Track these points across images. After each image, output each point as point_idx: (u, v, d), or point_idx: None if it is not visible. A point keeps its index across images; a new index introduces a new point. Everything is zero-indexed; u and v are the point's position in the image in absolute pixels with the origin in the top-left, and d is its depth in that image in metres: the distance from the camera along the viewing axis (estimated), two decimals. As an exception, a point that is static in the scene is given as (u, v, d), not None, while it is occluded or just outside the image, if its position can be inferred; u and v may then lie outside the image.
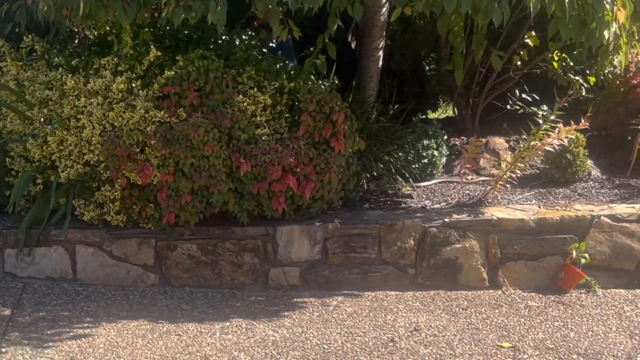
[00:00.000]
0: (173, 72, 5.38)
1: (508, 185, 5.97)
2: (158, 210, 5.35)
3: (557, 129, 5.70)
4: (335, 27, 5.70)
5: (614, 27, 5.17)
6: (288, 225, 5.50)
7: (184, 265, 5.46)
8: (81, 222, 5.53)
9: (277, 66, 5.78)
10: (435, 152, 6.43)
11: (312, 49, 6.11)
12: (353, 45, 8.03)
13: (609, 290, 5.40)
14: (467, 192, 6.12)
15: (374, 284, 5.43)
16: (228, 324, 4.79)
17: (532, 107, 6.84)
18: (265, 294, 5.31)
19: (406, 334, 4.63)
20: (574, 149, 6.17)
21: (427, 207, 5.90)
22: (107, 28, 5.87)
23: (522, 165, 5.89)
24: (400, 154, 6.30)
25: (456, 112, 7.87)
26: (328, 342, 4.52)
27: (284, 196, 5.34)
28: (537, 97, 6.97)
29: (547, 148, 5.72)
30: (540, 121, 6.07)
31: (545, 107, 6.58)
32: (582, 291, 5.37)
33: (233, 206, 5.35)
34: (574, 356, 4.32)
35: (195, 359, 4.28)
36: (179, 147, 5.10)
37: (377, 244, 5.47)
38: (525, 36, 6.90)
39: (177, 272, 5.47)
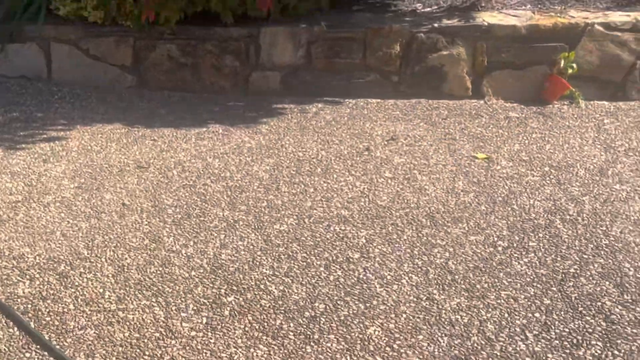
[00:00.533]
0: None
1: (503, -12, 5.89)
2: (138, 7, 5.32)
3: None
4: None
5: None
6: (272, 27, 5.51)
7: (163, 66, 5.52)
8: (57, 17, 5.51)
9: None
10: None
11: None
12: None
13: (592, 102, 5.47)
14: (460, -6, 6.05)
15: (356, 91, 5.50)
16: (204, 129, 4.91)
17: None
18: (244, 99, 5.40)
19: (382, 143, 4.75)
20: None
21: (418, 11, 5.87)
22: None
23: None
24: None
25: None
26: (303, 149, 4.64)
27: (270, -6, 5.29)
28: None
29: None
30: None
31: None
32: (565, 103, 5.45)
33: (216, 4, 5.33)
34: (546, 168, 4.45)
35: (169, 165, 4.42)
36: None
37: (362, 49, 5.50)
38: None
39: (155, 74, 5.54)
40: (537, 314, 3.21)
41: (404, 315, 3.20)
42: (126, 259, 3.54)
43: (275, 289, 3.36)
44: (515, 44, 5.49)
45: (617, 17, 5.63)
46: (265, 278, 3.43)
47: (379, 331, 3.11)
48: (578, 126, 5.08)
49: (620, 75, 5.56)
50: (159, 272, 3.45)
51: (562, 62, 5.42)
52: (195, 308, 3.23)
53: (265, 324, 3.15)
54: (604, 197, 4.13)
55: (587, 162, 4.55)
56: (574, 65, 5.42)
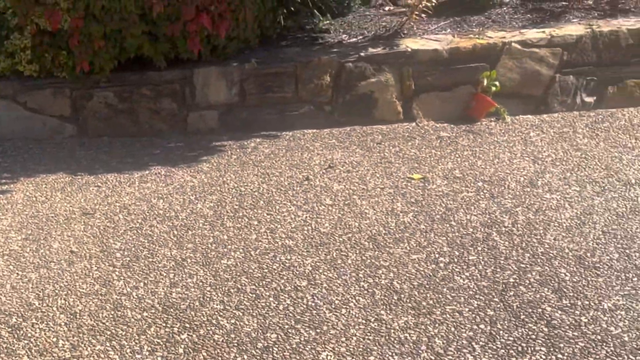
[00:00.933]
0: None
1: (424, 15, 5.97)
2: (71, 58, 5.28)
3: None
4: None
5: None
6: (205, 67, 5.48)
7: (102, 114, 5.46)
8: (-7, 74, 5.44)
9: None
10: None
11: None
12: None
13: (517, 117, 5.55)
14: (384, 23, 6.12)
15: (292, 123, 5.50)
16: (147, 172, 4.85)
17: None
18: (184, 140, 5.36)
19: (321, 172, 4.74)
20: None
21: (344, 42, 5.90)
22: None
23: (436, -6, 5.88)
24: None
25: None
26: (245, 184, 4.62)
27: (199, 36, 5.29)
28: None
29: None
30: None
31: None
32: (492, 119, 5.51)
33: (148, 50, 5.29)
34: (480, 183, 4.49)
35: (114, 209, 4.36)
36: (87, -11, 4.98)
37: (294, 82, 5.50)
38: None
39: (94, 121, 5.48)
40: (482, 326, 3.22)
41: (355, 338, 3.18)
42: (78, 305, 3.47)
43: (227, 322, 3.32)
44: (439, 67, 5.55)
45: (533, 34, 5.73)
46: (216, 313, 3.38)
47: (331, 356, 3.09)
48: (506, 141, 5.14)
49: (541, 89, 5.65)
50: (111, 316, 3.39)
51: (485, 81, 5.49)
52: (149, 349, 3.17)
53: (220, 358, 3.11)
54: (535, 206, 4.18)
55: (517, 175, 4.60)
56: (497, 83, 5.50)
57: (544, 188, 4.40)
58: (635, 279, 3.48)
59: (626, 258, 3.65)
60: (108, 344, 3.20)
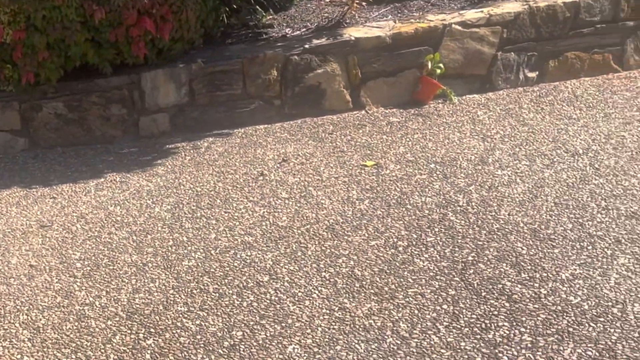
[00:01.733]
0: None
1: (364, 3, 5.91)
2: (17, 71, 5.12)
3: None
4: None
5: None
6: (152, 71, 5.36)
7: (52, 124, 5.32)
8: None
9: None
10: (291, -22, 6.27)
11: None
12: None
13: (463, 97, 5.52)
14: (326, 14, 6.04)
15: (243, 120, 5.41)
16: (102, 179, 4.74)
17: None
18: (137, 145, 5.24)
19: (275, 166, 4.67)
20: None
21: (288, 35, 5.81)
22: None
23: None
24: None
25: None
26: (201, 184, 4.53)
27: (144, 40, 5.17)
28: None
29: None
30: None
31: None
32: (439, 101, 5.48)
33: (93, 57, 5.16)
34: (432, 165, 4.45)
35: (72, 219, 4.24)
36: (27, 1, 4.82)
37: (242, 79, 5.41)
38: None
39: (45, 133, 5.34)
40: (445, 306, 3.17)
41: (320, 329, 3.12)
42: (40, 319, 3.36)
43: (192, 324, 3.24)
44: (384, 53, 5.50)
45: (472, 14, 5.71)
46: (181, 315, 3.30)
47: (298, 348, 3.02)
48: (455, 121, 5.10)
49: (484, 68, 5.63)
50: (75, 327, 3.29)
51: (430, 64, 5.46)
52: (116, 357, 3.08)
53: (188, 361, 3.02)
54: (488, 184, 4.14)
55: (468, 154, 4.56)
56: (441, 65, 5.47)
57: (495, 165, 4.37)
58: (590, 247, 3.46)
59: (580, 227, 3.63)
60: (73, 356, 3.11)
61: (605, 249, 3.43)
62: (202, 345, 3.10)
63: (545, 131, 4.79)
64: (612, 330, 2.92)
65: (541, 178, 4.15)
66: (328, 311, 3.22)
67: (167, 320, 3.27)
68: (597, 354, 2.81)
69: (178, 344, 3.12)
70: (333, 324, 3.14)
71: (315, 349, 3.01)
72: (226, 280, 3.51)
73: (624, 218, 3.67)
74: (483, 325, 3.04)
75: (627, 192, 3.91)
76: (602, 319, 2.98)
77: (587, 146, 4.50)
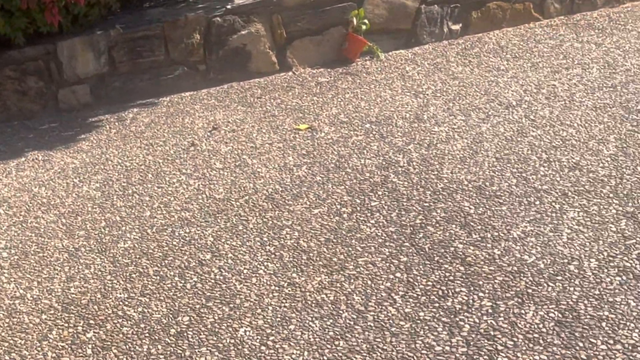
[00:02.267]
0: None
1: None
2: None
3: None
4: None
5: None
6: (68, 40, 4.95)
7: (-35, 103, 4.86)
8: None
9: None
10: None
11: None
12: None
13: (390, 53, 5.28)
14: (245, -26, 5.65)
15: (168, 88, 5.06)
16: (23, 159, 4.35)
17: None
18: (58, 119, 4.85)
19: (206, 135, 4.35)
20: None
21: (208, -4, 5.44)
22: None
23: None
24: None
25: None
26: (129, 158, 4.18)
27: (57, 6, 4.72)
28: None
29: None
30: None
31: None
32: (366, 58, 5.22)
33: (3, 27, 4.72)
34: (367, 125, 4.21)
35: (-6, 205, 3.86)
36: None
37: (164, 44, 5.05)
38: None
39: (-42, 112, 4.88)
40: (398, 274, 2.95)
41: (270, 308, 2.87)
42: (-32, 318, 3.01)
43: (134, 312, 2.94)
44: (308, 11, 5.21)
45: (395, -32, 5.42)
46: (121, 303, 3.00)
47: (249, 331, 2.76)
48: (384, 78, 4.86)
49: (409, 22, 5.40)
50: (6, 324, 2.95)
51: (355, 20, 5.19)
52: (54, 355, 2.77)
53: (133, 352, 2.74)
54: (427, 142, 3.93)
55: (402, 111, 4.34)
56: (366, 21, 5.21)
57: (431, 121, 4.15)
58: (537, 202, 3.27)
59: (524, 182, 3.45)
60: (7, 357, 2.77)
61: (553, 203, 3.26)
62: (147, 335, 2.81)
63: (476, 84, 4.59)
64: (571, 289, 2.75)
65: (479, 133, 3.95)
66: (277, 288, 2.97)
67: (106, 310, 2.97)
68: (560, 315, 2.63)
69: (121, 335, 2.83)
70: (284, 301, 2.89)
71: (268, 330, 2.76)
72: (166, 261, 3.22)
73: (567, 170, 3.50)
74: (440, 293, 2.83)
75: (566, 143, 3.74)
76: (560, 278, 2.80)
77: (519, 97, 4.32)
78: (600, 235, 3.00)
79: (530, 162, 3.60)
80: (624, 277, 2.76)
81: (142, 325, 2.86)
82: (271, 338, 2.72)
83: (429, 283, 2.89)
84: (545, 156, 3.64)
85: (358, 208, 3.43)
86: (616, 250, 2.91)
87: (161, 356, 2.70)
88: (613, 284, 2.73)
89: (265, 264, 3.13)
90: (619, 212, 3.14)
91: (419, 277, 2.93)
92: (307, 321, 2.78)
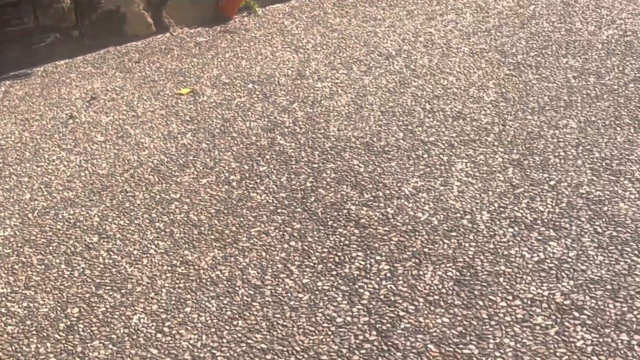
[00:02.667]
0: None
1: None
2: None
3: None
4: None
5: None
6: None
7: None
8: None
9: None
10: None
11: None
12: None
13: (267, 8, 4.98)
14: None
15: (41, 57, 4.63)
16: None
17: None
18: None
19: (84, 106, 3.99)
20: None
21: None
22: None
23: None
24: None
25: None
26: (4, 136, 3.79)
27: None
28: None
29: None
30: None
31: None
32: (244, 15, 4.91)
33: None
34: (250, 85, 3.93)
35: None
36: None
37: (32, 10, 4.57)
38: None
39: None
40: (292, 243, 2.74)
41: (164, 291, 2.61)
42: None
43: (19, 307, 2.64)
44: (181, -31, 4.82)
45: None
46: (4, 299, 2.68)
47: (144, 318, 2.51)
48: (264, 35, 4.57)
49: (284, -25, 5.08)
50: None
51: (230, -24, 4.85)
52: None
53: (19, 354, 2.44)
54: (311, 99, 3.69)
55: (284, 69, 4.08)
56: (241, -24, 4.87)
57: (314, 77, 3.91)
58: (425, 155, 3.11)
59: (411, 135, 3.27)
60: None
61: (441, 156, 3.10)
62: (34, 332, 2.51)
63: (355, 36, 4.36)
64: (467, 245, 2.60)
65: (362, 86, 3.74)
66: (170, 268, 2.71)
67: (-12, 308, 2.65)
68: (457, 273, 2.48)
69: (6, 335, 2.52)
70: (177, 282, 2.64)
71: (164, 315, 2.50)
72: (51, 248, 2.90)
73: (451, 119, 3.34)
74: (337, 259, 2.63)
75: (447, 92, 3.58)
76: (454, 234, 2.65)
77: (398, 47, 4.12)
78: (490, 186, 2.86)
79: (415, 114, 3.43)
80: (516, 228, 2.63)
81: (29, 322, 2.56)
82: (167, 324, 2.48)
83: (325, 250, 2.69)
84: (429, 107, 3.47)
85: (247, 175, 3.18)
86: (506, 201, 2.77)
87: (51, 355, 2.42)
88: (506, 236, 2.60)
89: (156, 242, 2.86)
90: (505, 160, 3.01)
91: (314, 245, 2.72)
92: (203, 302, 2.54)
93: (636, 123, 3.11)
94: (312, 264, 2.63)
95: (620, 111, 3.22)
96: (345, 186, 3.01)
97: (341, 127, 3.41)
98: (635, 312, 2.20)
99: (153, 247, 2.84)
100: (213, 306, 2.52)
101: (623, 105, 3.26)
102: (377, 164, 3.11)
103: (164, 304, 2.56)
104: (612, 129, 3.10)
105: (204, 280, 2.64)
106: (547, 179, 2.85)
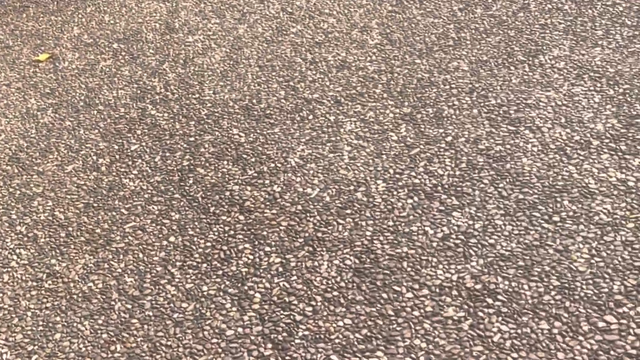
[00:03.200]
0: None
1: None
2: None
3: None
4: None
5: None
6: None
7: None
8: None
9: None
10: None
11: None
12: None
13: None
14: None
15: None
16: None
17: None
18: None
19: None
20: None
21: None
22: None
23: None
24: None
25: None
26: None
27: None
28: None
29: None
30: None
31: None
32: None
33: None
34: (115, 45, 3.37)
35: None
36: None
37: None
38: None
39: None
40: (172, 238, 2.28)
41: (30, 314, 2.17)
42: None
43: None
44: None
45: None
46: None
47: (6, 353, 2.02)
48: (127, -16, 3.94)
49: None
50: None
51: None
52: None
53: None
54: (182, 57, 3.17)
55: (151, 22, 3.51)
56: None
57: (184, 30, 3.36)
58: (310, 117, 2.66)
59: (293, 93, 2.82)
60: None
61: (327, 115, 2.67)
62: None
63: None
64: (363, 224, 2.21)
65: (237, 37, 3.23)
66: (35, 284, 2.22)
67: None
68: (356, 260, 2.09)
69: None
70: (44, 301, 2.16)
71: (30, 347, 2.03)
72: None
73: (335, 70, 2.89)
74: (222, 255, 2.20)
75: (329, 37, 3.11)
76: (349, 212, 2.26)
77: (273, -14, 3.60)
78: (383, 148, 2.45)
79: (295, 67, 2.95)
80: (416, 199, 2.24)
81: None
82: (34, 358, 2.00)
83: (208, 244, 2.24)
84: (310, 56, 3.00)
85: (117, 156, 2.67)
86: (402, 165, 2.38)
87: None
88: (406, 209, 2.21)
89: (18, 251, 2.35)
90: (397, 115, 2.60)
91: (195, 239, 2.27)
92: (75, 324, 2.08)
93: (530, 59, 2.73)
94: (195, 263, 2.19)
95: (511, 46, 2.84)
96: (225, 162, 2.55)
97: (217, 89, 2.92)
98: (553, 293, 1.87)
99: (15, 257, 2.33)
100: (86, 329, 2.06)
101: (514, 39, 2.87)
102: (258, 131, 2.65)
103: (29, 332, 2.08)
104: (505, 68, 2.72)
105: (74, 296, 2.16)
106: (443, 134, 2.46)
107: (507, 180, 2.25)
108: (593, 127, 2.36)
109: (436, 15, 3.15)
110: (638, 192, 2.09)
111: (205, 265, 2.20)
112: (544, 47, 2.77)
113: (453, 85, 2.70)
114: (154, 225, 2.37)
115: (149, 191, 2.50)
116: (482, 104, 2.58)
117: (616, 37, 2.76)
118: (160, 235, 2.33)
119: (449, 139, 2.46)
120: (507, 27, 2.98)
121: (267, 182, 2.44)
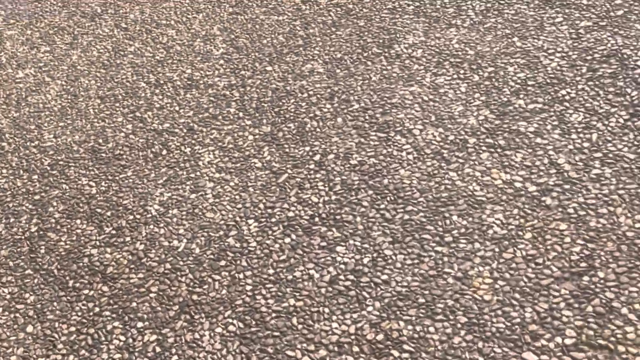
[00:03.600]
0: None
1: None
2: None
3: None
4: None
5: None
6: None
7: None
8: None
9: None
10: None
11: None
12: None
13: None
14: None
15: None
16: None
17: None
18: None
19: None
20: None
21: None
22: None
23: None
24: None
25: None
26: None
27: None
28: None
29: None
30: None
31: None
32: None
33: None
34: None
35: None
36: None
37: None
38: None
39: None
40: (29, 328, 1.90)
41: None
42: None
43: None
44: None
45: None
46: None
47: None
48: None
49: None
50: None
51: None
52: None
53: None
54: (14, 96, 2.74)
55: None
56: None
57: (12, 64, 2.90)
58: (164, 152, 2.30)
59: (142, 125, 2.44)
60: None
61: (182, 147, 2.31)
62: None
63: (49, -7, 3.30)
64: (241, 277, 1.90)
65: (71, 66, 2.81)
66: None
67: None
68: (241, 324, 1.80)
69: None
70: None
71: None
72: None
73: (183, 92, 2.53)
74: (89, 342, 1.85)
75: (170, 52, 2.72)
76: (223, 263, 1.94)
77: (102, 1, 3.14)
78: (248, 179, 2.13)
79: (140, 93, 2.56)
80: (293, 236, 1.95)
81: None
82: None
83: (72, 329, 1.89)
84: (154, 78, 2.61)
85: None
86: (272, 197, 2.07)
87: None
88: (284, 251, 1.92)
89: None
90: (257, 136, 2.27)
91: (57, 324, 1.91)
92: None
93: (385, 51, 2.45)
94: (60, 357, 1.81)
95: (364, 38, 2.54)
96: (79, 221, 2.15)
97: (57, 132, 2.48)
98: (462, 333, 1.63)
99: None
100: None
101: (365, 29, 2.58)
102: (110, 177, 2.26)
103: None
104: (362, 64, 2.42)
105: None
106: (310, 153, 2.16)
107: (388, 198, 1.98)
108: (466, 123, 2.11)
109: (280, 11, 2.80)
110: (527, 194, 1.87)
111: (72, 357, 1.82)
112: (398, 35, 2.49)
113: (311, 92, 2.39)
114: (6, 314, 1.96)
115: (-5, 273, 2.08)
116: (345, 111, 2.28)
117: (469, 13, 2.52)
118: (16, 327, 1.92)
119: (317, 157, 2.16)
120: (356, 16, 2.68)
121: (127, 239, 2.07)
